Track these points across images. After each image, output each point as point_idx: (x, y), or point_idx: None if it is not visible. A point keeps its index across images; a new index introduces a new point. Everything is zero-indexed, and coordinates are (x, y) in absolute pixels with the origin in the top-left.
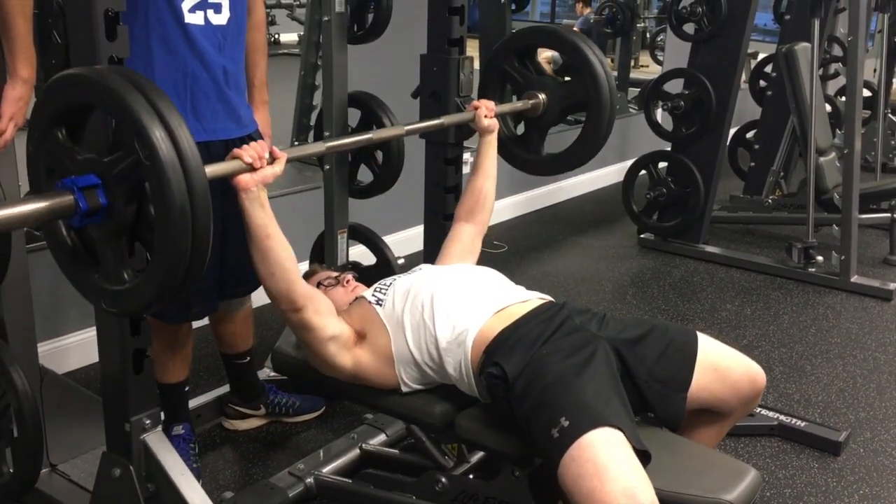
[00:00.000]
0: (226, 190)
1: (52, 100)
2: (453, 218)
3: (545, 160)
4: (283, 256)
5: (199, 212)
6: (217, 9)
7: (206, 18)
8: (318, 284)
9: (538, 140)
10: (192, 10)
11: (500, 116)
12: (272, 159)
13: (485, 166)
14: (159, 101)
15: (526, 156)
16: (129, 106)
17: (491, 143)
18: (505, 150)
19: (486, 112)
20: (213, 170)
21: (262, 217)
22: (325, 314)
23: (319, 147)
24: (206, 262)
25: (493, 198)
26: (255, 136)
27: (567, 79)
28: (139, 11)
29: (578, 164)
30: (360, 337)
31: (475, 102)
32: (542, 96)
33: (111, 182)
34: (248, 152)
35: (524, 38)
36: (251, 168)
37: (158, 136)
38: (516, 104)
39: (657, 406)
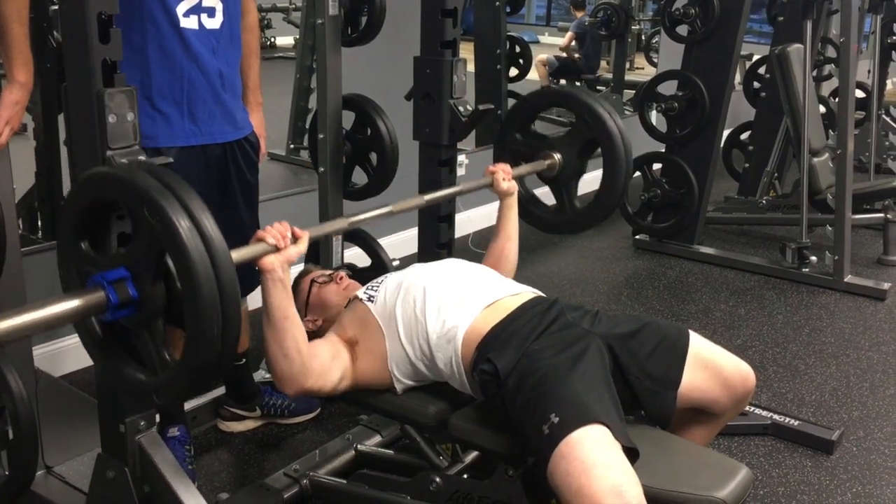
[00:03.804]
0: (223, 186)
1: (75, 206)
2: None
3: (570, 217)
4: (299, 338)
5: (227, 295)
6: (211, 13)
7: (199, 23)
8: (312, 282)
9: (569, 196)
10: (187, 14)
11: (518, 179)
12: (294, 239)
13: (507, 229)
14: (181, 190)
15: (550, 216)
16: (153, 197)
17: (511, 206)
18: (527, 212)
19: (504, 175)
20: (239, 255)
21: (284, 298)
22: (328, 372)
23: (342, 224)
24: (238, 338)
25: (515, 258)
26: (251, 137)
27: (568, 128)
28: (135, 18)
29: (605, 214)
30: (352, 345)
31: (491, 167)
32: (556, 155)
33: (139, 272)
34: (271, 233)
35: (517, 114)
36: (275, 249)
37: (184, 225)
38: (534, 165)
39: (647, 403)
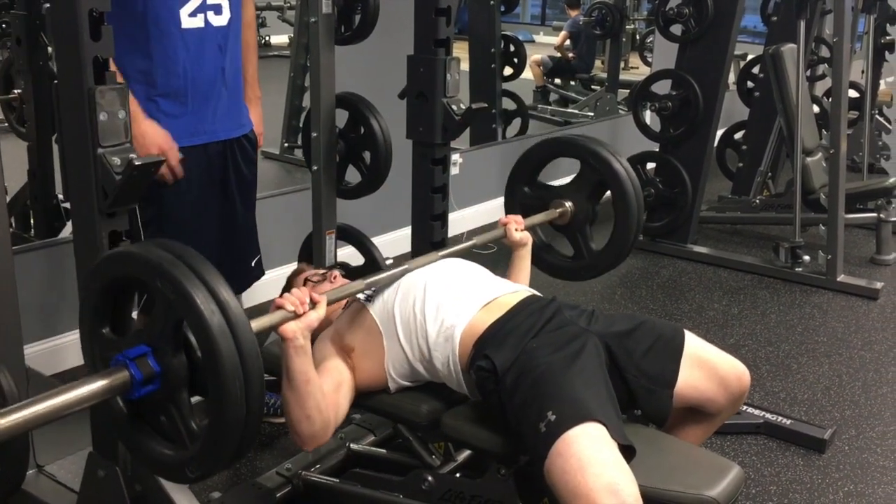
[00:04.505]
0: (222, 183)
1: (91, 292)
2: None
3: (589, 262)
4: (320, 397)
5: (247, 355)
6: (217, 10)
7: (206, 21)
8: (306, 281)
9: (584, 241)
10: (193, 13)
11: (532, 228)
12: (312, 304)
13: (518, 280)
14: (191, 259)
15: (569, 263)
16: (165, 268)
17: (524, 257)
18: (540, 260)
19: (517, 226)
20: (258, 324)
21: (305, 363)
22: (340, 408)
23: (359, 285)
24: (263, 398)
25: None
26: (250, 135)
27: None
28: (138, 21)
29: (624, 252)
30: (349, 353)
31: (503, 219)
32: (567, 203)
33: (159, 345)
34: (290, 300)
35: (522, 169)
36: (294, 315)
37: (199, 291)
38: (546, 214)
39: (644, 401)
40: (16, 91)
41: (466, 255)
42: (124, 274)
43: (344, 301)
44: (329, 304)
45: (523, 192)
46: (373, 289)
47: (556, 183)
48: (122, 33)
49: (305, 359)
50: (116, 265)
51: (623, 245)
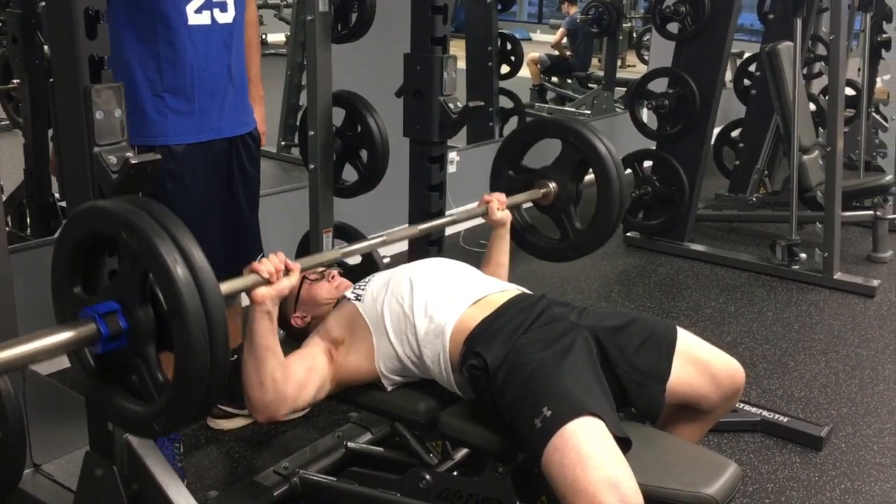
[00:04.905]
0: (227, 181)
1: (62, 250)
2: None
3: (575, 241)
4: (277, 368)
5: (211, 304)
6: (223, 7)
7: (212, 18)
8: (304, 278)
9: (569, 220)
10: (199, 10)
11: (514, 208)
12: (287, 271)
13: (498, 258)
14: (154, 210)
15: (554, 244)
16: (129, 218)
17: (503, 237)
18: (524, 241)
19: (499, 205)
20: (232, 286)
21: (269, 330)
22: (303, 388)
23: (335, 254)
24: (227, 347)
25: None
26: (254, 133)
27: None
28: (145, 15)
29: (609, 230)
30: (336, 345)
31: (486, 196)
32: (551, 184)
33: (128, 301)
34: (266, 266)
35: (506, 153)
36: (267, 282)
37: (160, 237)
38: (529, 193)
39: (636, 397)
40: (14, 81)
41: (459, 251)
42: (92, 229)
43: (334, 300)
44: (303, 271)
45: (507, 176)
46: (362, 288)
47: None
48: (129, 29)
49: (270, 325)
50: (84, 220)
51: (607, 223)
